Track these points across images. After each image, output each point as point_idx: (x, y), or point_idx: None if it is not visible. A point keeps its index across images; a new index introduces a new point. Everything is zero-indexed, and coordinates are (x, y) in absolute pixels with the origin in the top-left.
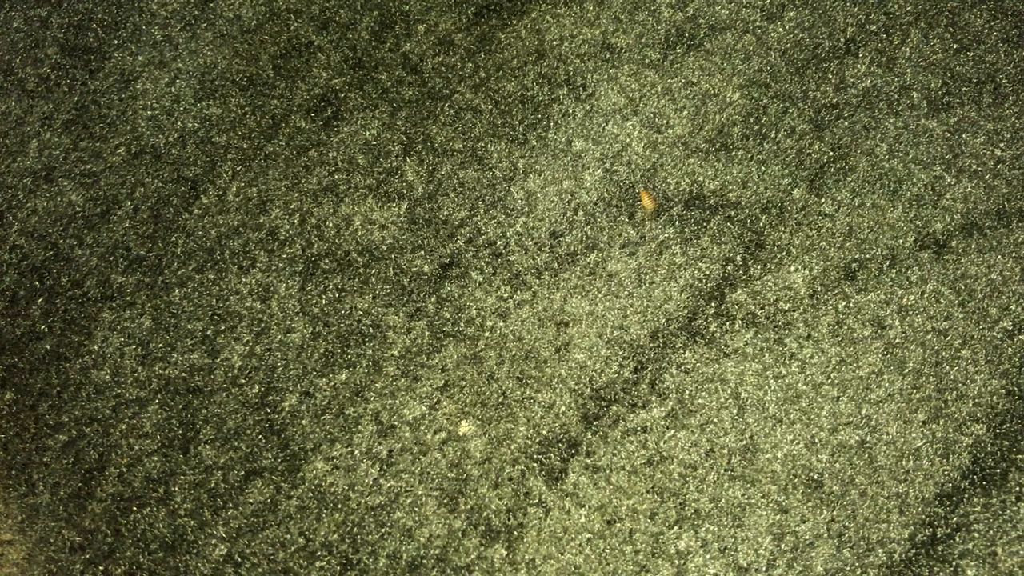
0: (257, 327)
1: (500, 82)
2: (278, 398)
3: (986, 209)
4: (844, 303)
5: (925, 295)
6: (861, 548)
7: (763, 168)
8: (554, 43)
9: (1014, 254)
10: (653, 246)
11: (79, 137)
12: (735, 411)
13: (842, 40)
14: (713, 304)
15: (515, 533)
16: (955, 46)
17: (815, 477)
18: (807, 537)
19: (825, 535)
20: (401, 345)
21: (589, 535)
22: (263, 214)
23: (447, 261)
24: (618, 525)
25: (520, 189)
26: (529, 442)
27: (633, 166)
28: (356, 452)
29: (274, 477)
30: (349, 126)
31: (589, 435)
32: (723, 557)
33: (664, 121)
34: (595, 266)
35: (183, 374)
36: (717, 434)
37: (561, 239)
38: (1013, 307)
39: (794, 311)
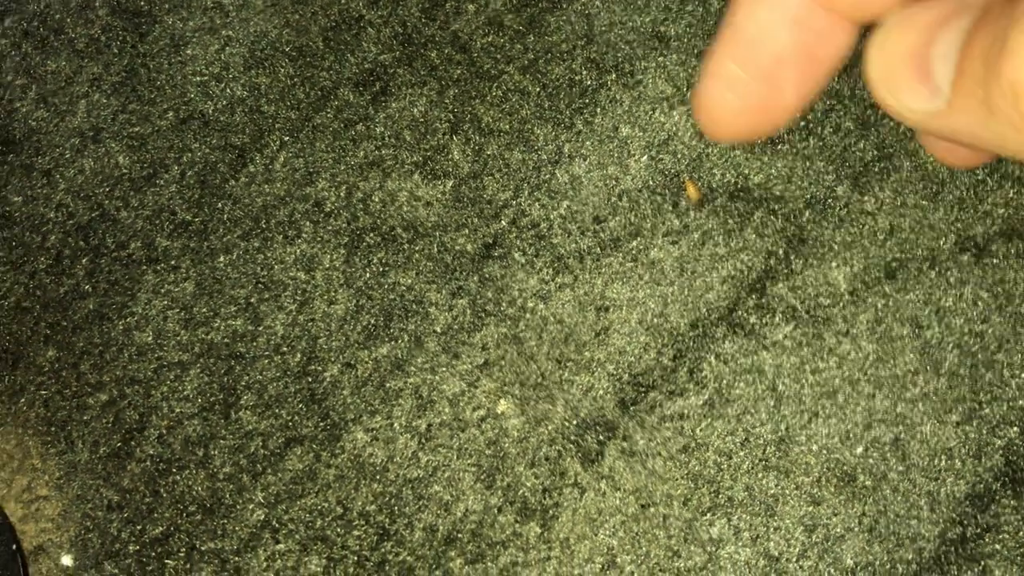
0: (301, 297)
1: (548, 65)
2: (320, 368)
3: None
4: (883, 301)
5: (963, 297)
6: (891, 543)
7: (808, 164)
8: (603, 28)
9: None
10: (696, 236)
11: (127, 99)
12: (772, 403)
13: None
14: (754, 296)
15: (550, 512)
16: None
17: (848, 471)
18: (838, 530)
19: (856, 529)
20: (443, 322)
21: (623, 518)
22: (309, 185)
23: (490, 241)
24: (652, 509)
25: (565, 173)
26: (566, 423)
27: (679, 155)
28: (396, 425)
29: (314, 446)
30: (397, 102)
31: (626, 420)
32: (755, 546)
33: None
34: (637, 253)
35: (226, 339)
36: (753, 424)
37: (604, 224)
38: None
39: (834, 307)
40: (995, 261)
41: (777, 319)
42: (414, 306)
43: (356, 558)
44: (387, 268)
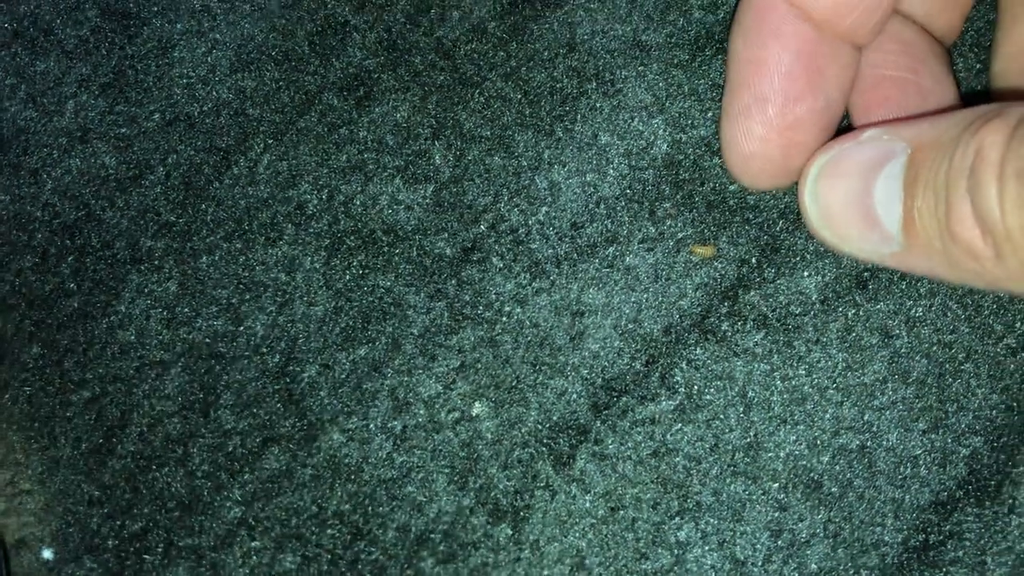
0: (281, 298)
1: (530, 72)
2: (298, 368)
3: None
4: (854, 311)
5: (933, 308)
6: (855, 549)
7: None
8: (585, 37)
9: None
10: (671, 243)
11: (115, 100)
12: (741, 409)
13: None
14: (726, 304)
15: (521, 514)
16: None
17: (815, 478)
18: (803, 535)
19: (821, 534)
20: (420, 324)
21: (593, 520)
22: (292, 188)
23: (469, 245)
24: (621, 512)
25: (544, 179)
26: (540, 426)
27: (657, 164)
28: (371, 426)
29: (291, 445)
30: (380, 106)
31: (598, 423)
32: (721, 550)
33: (689, 121)
34: (613, 259)
35: (207, 339)
36: (723, 430)
37: (582, 230)
38: (1018, 325)
39: (805, 315)
40: None
41: (748, 326)
42: (392, 308)
43: (330, 556)
44: (367, 271)
